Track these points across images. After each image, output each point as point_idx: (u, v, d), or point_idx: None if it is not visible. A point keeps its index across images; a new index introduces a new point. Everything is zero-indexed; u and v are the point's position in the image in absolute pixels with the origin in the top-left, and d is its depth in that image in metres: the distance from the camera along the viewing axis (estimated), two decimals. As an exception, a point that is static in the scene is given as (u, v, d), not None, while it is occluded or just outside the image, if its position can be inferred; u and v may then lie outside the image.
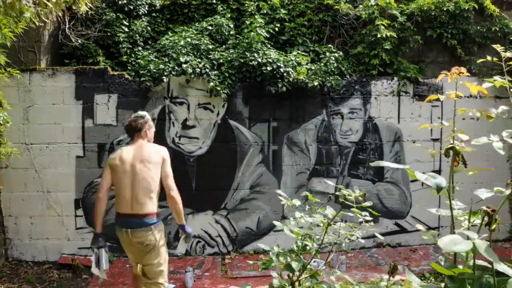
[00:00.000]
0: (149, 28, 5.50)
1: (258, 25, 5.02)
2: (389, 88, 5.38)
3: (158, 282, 3.23)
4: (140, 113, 3.42)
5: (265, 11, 5.48)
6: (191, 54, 5.04)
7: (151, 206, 3.21)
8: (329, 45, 5.57)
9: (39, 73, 4.86)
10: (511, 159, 5.65)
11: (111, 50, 5.34)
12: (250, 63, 4.91)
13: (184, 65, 4.87)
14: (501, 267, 1.31)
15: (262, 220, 5.26)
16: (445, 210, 1.76)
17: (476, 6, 5.55)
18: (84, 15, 4.97)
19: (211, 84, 4.84)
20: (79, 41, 5.12)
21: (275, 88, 4.97)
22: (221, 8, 5.54)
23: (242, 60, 4.95)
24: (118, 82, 4.99)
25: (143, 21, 5.52)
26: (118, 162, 3.22)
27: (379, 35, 5.24)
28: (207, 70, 4.92)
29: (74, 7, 4.73)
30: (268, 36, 5.23)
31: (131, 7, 5.48)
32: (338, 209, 2.08)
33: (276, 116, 5.23)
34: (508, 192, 1.45)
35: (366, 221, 2.10)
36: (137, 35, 5.36)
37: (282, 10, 5.60)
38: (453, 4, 5.50)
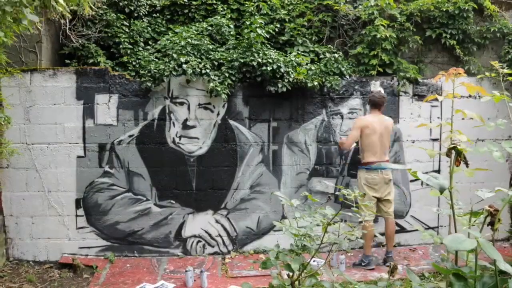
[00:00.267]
0: (149, 29, 5.52)
1: (258, 25, 5.04)
2: (389, 88, 5.40)
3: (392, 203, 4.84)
4: (383, 93, 4.91)
5: (265, 12, 5.50)
6: (192, 55, 5.06)
7: (387, 156, 4.91)
8: (329, 46, 5.60)
9: (40, 73, 4.88)
10: (511, 158, 5.67)
11: (112, 51, 5.36)
12: (250, 63, 4.93)
13: (184, 65, 4.89)
14: (504, 266, 1.32)
15: (262, 220, 5.28)
16: (445, 210, 1.78)
17: (476, 6, 5.57)
18: (88, 15, 4.98)
19: (211, 84, 4.85)
20: (80, 42, 5.14)
21: (275, 88, 4.99)
22: (221, 9, 5.55)
23: (242, 60, 4.97)
24: (118, 83, 5.01)
25: (143, 21, 5.54)
26: (369, 125, 4.71)
27: (378, 36, 5.26)
28: (207, 70, 4.93)
29: (78, 10, 4.76)
30: (268, 36, 5.25)
31: (132, 8, 5.51)
32: (337, 208, 2.10)
33: (276, 116, 5.25)
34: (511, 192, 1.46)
35: (366, 221, 2.11)
36: (137, 35, 5.38)
37: (282, 10, 5.62)
38: (452, 5, 5.53)
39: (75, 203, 5.02)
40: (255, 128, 5.23)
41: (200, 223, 5.21)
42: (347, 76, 5.35)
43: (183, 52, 5.00)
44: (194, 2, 5.65)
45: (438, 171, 5.39)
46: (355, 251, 5.26)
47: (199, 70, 4.91)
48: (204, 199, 5.19)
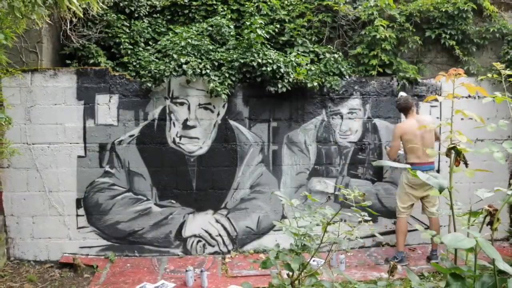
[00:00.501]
0: (149, 29, 5.53)
1: (258, 26, 5.05)
2: (388, 88, 5.41)
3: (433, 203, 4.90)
4: (405, 94, 5.04)
5: (265, 12, 5.51)
6: (192, 55, 5.07)
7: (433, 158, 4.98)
8: (329, 46, 5.61)
9: (40, 73, 4.89)
10: (510, 158, 5.69)
11: (112, 51, 5.37)
12: (250, 63, 4.94)
13: (184, 66, 4.90)
14: (503, 265, 1.33)
15: (262, 220, 5.30)
16: (445, 210, 1.79)
17: (475, 7, 5.58)
18: (89, 15, 4.99)
19: (212, 84, 4.87)
20: (80, 42, 5.15)
21: (275, 89, 5.00)
22: (221, 9, 5.56)
23: (242, 61, 4.98)
24: (119, 83, 5.02)
25: (144, 22, 5.55)
26: (407, 130, 4.81)
27: (378, 36, 5.28)
28: (208, 70, 4.94)
29: (86, 8, 4.76)
30: (268, 37, 5.26)
31: (132, 9, 5.51)
32: (337, 208, 2.12)
33: (276, 116, 5.27)
34: (510, 192, 1.47)
35: (365, 221, 2.13)
36: (138, 36, 5.39)
37: (282, 11, 5.63)
38: (451, 5, 5.54)
39: (75, 203, 5.03)
40: (255, 128, 5.24)
41: (200, 223, 5.22)
42: (347, 77, 5.36)
43: (183, 52, 5.02)
44: (194, 3, 5.66)
45: (438, 171, 5.40)
46: (354, 251, 5.28)
47: (199, 70, 4.92)
48: (204, 199, 5.21)
